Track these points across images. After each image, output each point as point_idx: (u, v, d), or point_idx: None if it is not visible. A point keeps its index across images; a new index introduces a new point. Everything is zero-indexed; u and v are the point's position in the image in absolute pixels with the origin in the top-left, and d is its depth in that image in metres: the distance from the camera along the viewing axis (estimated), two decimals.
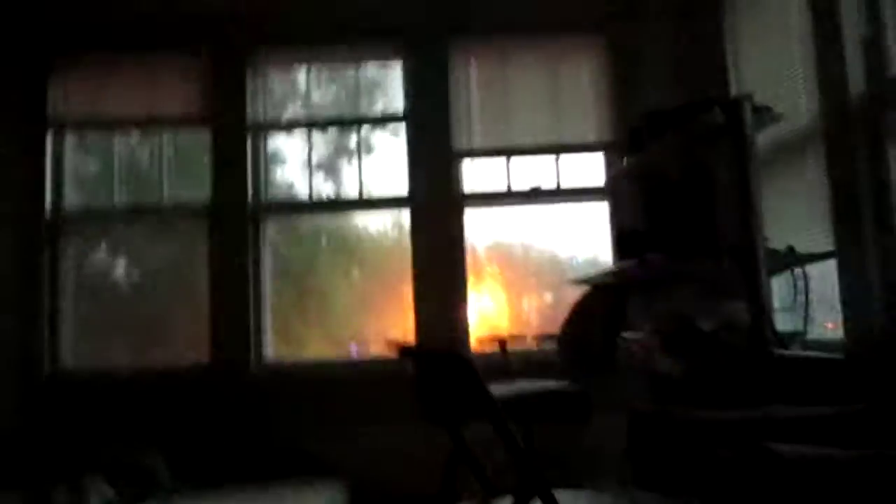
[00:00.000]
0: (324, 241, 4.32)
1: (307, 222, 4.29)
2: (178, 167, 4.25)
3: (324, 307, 4.19)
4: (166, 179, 4.20)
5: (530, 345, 3.64)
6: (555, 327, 3.52)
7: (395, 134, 4.22)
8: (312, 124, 4.21)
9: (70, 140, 4.23)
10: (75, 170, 4.24)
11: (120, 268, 4.27)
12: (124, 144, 4.25)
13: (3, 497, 3.15)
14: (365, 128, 4.21)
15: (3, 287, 3.93)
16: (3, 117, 4.02)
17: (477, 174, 4.15)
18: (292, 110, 4.24)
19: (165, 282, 4.17)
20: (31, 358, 3.96)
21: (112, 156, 4.23)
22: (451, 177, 4.08)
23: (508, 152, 4.13)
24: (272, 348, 4.05)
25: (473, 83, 4.15)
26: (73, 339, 4.09)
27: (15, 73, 4.05)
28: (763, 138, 2.76)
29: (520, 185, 4.14)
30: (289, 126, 4.23)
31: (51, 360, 4.01)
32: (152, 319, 4.12)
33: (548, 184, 4.13)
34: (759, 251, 2.46)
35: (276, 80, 4.24)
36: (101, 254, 4.27)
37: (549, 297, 4.21)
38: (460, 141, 4.10)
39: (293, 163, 4.28)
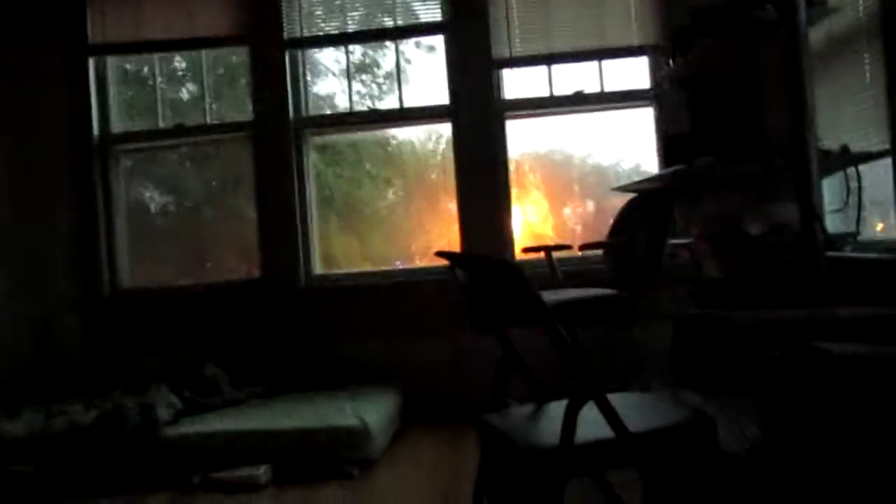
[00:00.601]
0: (365, 155, 4.33)
1: (348, 138, 4.32)
2: (218, 87, 4.31)
3: (367, 222, 4.26)
4: (208, 99, 4.24)
5: (575, 253, 3.62)
6: (599, 235, 3.60)
7: (434, 44, 4.18)
8: (350, 37, 4.19)
9: (112, 65, 4.30)
10: (119, 94, 4.32)
11: (169, 189, 4.37)
12: (165, 67, 4.33)
13: (76, 407, 3.34)
14: (403, 39, 4.18)
15: (62, 210, 4.07)
16: (45, 44, 4.09)
17: (518, 82, 4.10)
18: (329, 24, 4.21)
19: (214, 201, 4.30)
20: (93, 277, 4.11)
21: (154, 79, 4.31)
22: (491, 86, 4.03)
23: (549, 59, 4.05)
24: (319, 263, 4.15)
25: None
26: (129, 259, 4.24)
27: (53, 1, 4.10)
28: (816, 32, 2.66)
29: (562, 92, 4.07)
30: (326, 40, 4.21)
31: (110, 279, 4.16)
32: (203, 238, 4.26)
33: (591, 89, 4.05)
34: (811, 151, 2.40)
35: None
36: (150, 176, 4.37)
37: (592, 205, 4.20)
38: (500, 49, 4.03)
39: (332, 77, 4.29)
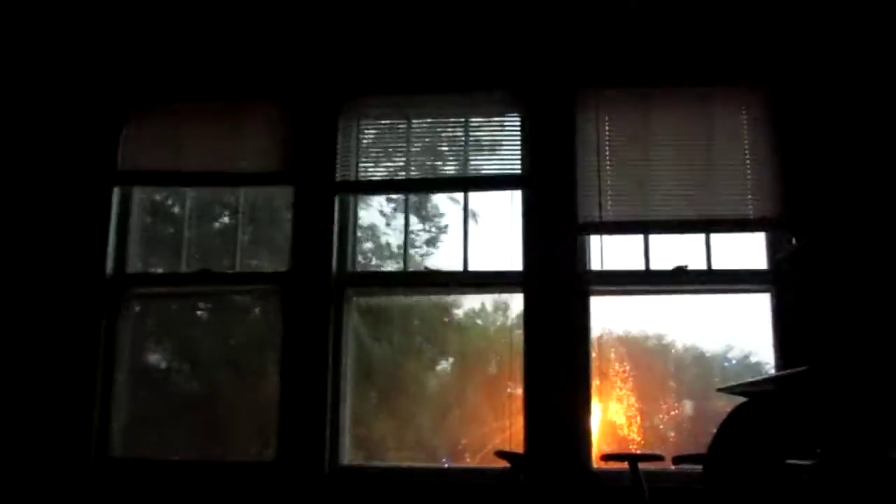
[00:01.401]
0: (416, 324, 4.41)
1: (398, 301, 4.42)
2: (254, 230, 4.50)
3: (413, 405, 4.26)
4: (240, 244, 4.43)
5: (667, 466, 3.54)
6: (699, 446, 3.49)
7: (510, 201, 4.30)
8: (410, 186, 4.38)
9: (138, 197, 4.57)
10: (141, 230, 4.55)
11: (181, 344, 4.48)
12: (196, 203, 4.56)
13: None
14: (473, 192, 4.36)
15: (57, 357, 4.20)
16: (69, 171, 4.40)
17: (607, 252, 4.20)
18: (388, 169, 4.43)
19: (232, 364, 4.37)
20: (79, 438, 4.16)
21: (182, 217, 4.53)
22: (575, 253, 4.11)
23: (646, 227, 4.15)
24: (349, 451, 4.15)
25: (605, 142, 4.22)
26: (125, 422, 4.30)
27: (86, 124, 4.45)
28: None
29: (660, 267, 4.14)
30: (383, 186, 4.42)
31: (99, 443, 4.20)
32: (214, 406, 4.33)
33: (695, 265, 4.11)
34: None
35: (369, 134, 4.46)
36: (162, 327, 4.53)
37: (691, 406, 4.18)
38: (588, 211, 4.15)
39: (386, 230, 4.47)
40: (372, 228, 4.52)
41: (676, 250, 4.15)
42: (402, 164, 4.41)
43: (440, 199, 4.52)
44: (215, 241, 4.59)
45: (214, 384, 4.39)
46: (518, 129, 4.34)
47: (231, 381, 4.36)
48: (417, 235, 4.48)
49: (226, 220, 4.61)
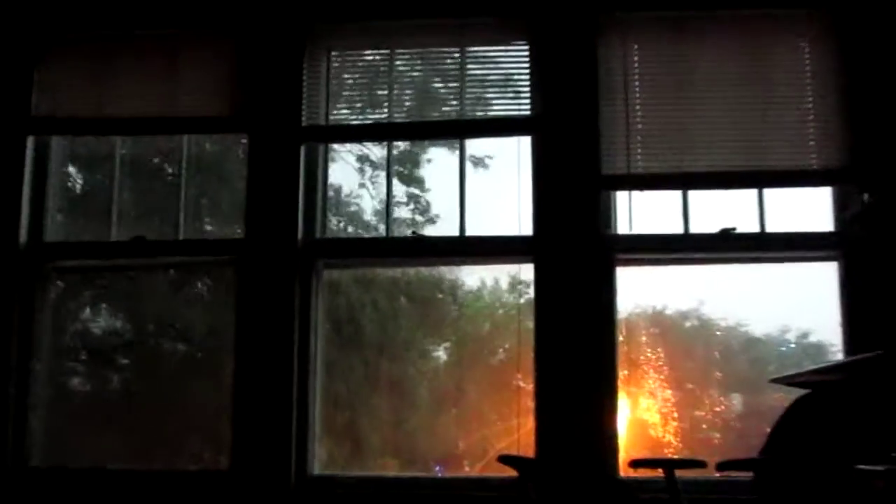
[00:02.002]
0: (403, 302, 4.37)
1: (380, 275, 4.39)
2: (200, 189, 4.44)
3: (399, 402, 4.24)
4: (183, 206, 4.35)
5: (710, 473, 3.43)
6: (750, 449, 3.42)
7: (517, 150, 4.21)
8: (394, 132, 4.32)
9: (58, 150, 4.51)
10: (62, 191, 4.49)
11: (115, 329, 4.45)
12: (129, 157, 4.50)
13: None
14: (471, 139, 4.29)
15: None
16: None
17: (637, 212, 4.12)
18: (366, 113, 4.37)
19: (175, 353, 4.37)
20: None
21: (112, 174, 4.46)
22: (598, 214, 4.05)
23: (685, 180, 4.09)
24: (320, 457, 4.10)
25: (634, 77, 4.15)
26: (48, 425, 4.26)
27: None
28: None
29: (702, 230, 4.08)
30: (360, 133, 4.37)
31: (15, 451, 4.16)
32: (155, 404, 4.28)
33: (744, 228, 4.06)
34: None
35: (343, 70, 4.42)
36: (88, 308, 4.49)
37: (740, 400, 4.17)
38: (613, 161, 4.08)
39: (364, 188, 4.44)
40: (346, 186, 4.48)
41: (722, 210, 4.10)
42: (383, 106, 4.34)
43: (431, 150, 4.49)
44: (153, 202, 4.51)
45: (156, 378, 4.36)
46: (526, 60, 4.25)
47: (176, 375, 4.35)
48: (402, 195, 4.44)
49: (166, 177, 4.54)
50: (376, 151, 4.46)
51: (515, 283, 4.28)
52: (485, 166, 4.36)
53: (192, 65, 4.36)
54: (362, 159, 4.48)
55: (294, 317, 4.12)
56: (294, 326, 4.11)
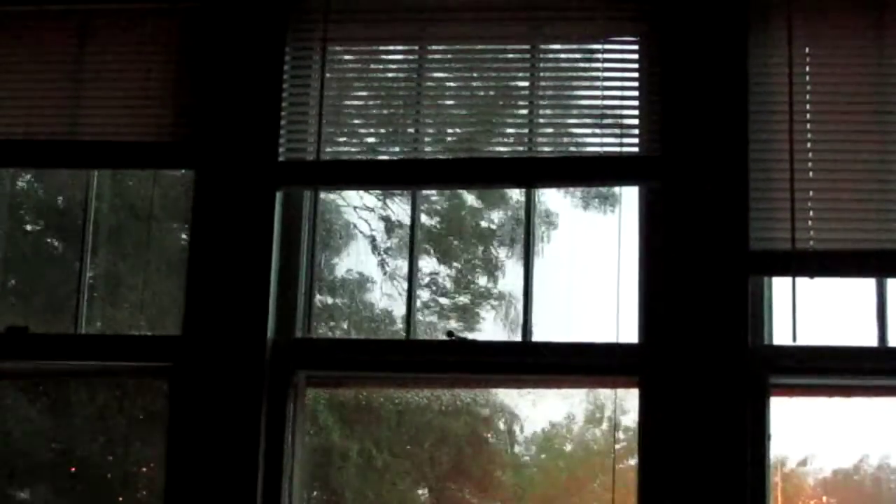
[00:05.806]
0: (428, 443, 3.66)
1: (394, 397, 3.70)
2: (115, 257, 3.75)
3: None
4: (85, 283, 3.54)
5: None
6: None
7: (616, 207, 3.47)
8: (421, 173, 3.49)
9: None
10: None
11: None
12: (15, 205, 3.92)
13: None
14: (542, 188, 3.49)
15: None
16: None
17: (804, 310, 3.24)
18: (376, 141, 3.57)
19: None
20: None
21: None
22: (743, 312, 3.22)
23: (883, 262, 3.22)
24: None
25: (805, 89, 3.26)
26: None
27: None
28: None
29: None
30: (368, 174, 3.52)
31: None
32: None
33: None
34: None
35: (344, 74, 3.56)
36: None
37: None
38: (769, 230, 3.26)
39: (371, 258, 3.70)
40: (345, 256, 3.72)
41: None
42: (406, 131, 3.49)
43: (476, 202, 3.72)
44: (40, 274, 3.82)
45: None
46: (635, 66, 3.37)
47: None
48: (430, 272, 3.68)
49: (61, 238, 3.87)
50: (395, 209, 3.67)
51: (604, 416, 3.52)
52: (564, 233, 3.57)
53: (109, 61, 3.51)
54: (369, 216, 3.69)
55: (258, 462, 3.23)
56: (257, 476, 3.21)
